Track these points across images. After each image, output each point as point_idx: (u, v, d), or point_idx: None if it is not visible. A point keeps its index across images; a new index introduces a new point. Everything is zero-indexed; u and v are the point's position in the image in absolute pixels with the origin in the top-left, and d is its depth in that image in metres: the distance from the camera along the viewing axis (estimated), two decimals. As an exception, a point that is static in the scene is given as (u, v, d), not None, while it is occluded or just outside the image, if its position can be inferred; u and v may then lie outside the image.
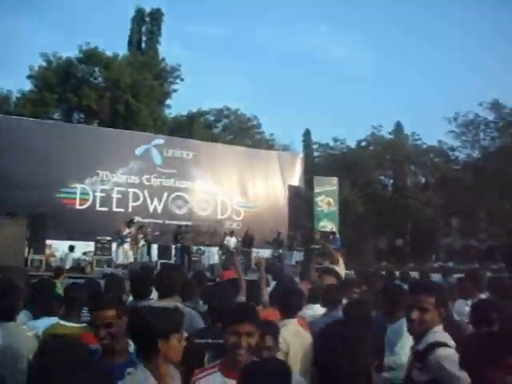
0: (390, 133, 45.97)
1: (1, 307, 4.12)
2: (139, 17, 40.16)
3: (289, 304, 4.72)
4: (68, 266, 18.72)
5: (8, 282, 6.10)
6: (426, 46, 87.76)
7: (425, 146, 44.40)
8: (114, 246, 19.99)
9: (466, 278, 7.44)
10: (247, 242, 22.60)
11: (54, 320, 4.57)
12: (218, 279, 9.86)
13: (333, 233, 25.07)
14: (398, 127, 47.40)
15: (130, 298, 5.69)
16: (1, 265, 7.30)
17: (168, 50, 79.75)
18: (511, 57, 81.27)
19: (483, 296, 6.36)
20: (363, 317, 4.31)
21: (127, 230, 20.25)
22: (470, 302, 6.15)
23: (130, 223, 20.72)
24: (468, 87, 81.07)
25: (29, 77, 34.88)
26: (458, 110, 41.64)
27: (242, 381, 2.33)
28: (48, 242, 19.44)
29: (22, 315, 5.08)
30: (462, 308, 6.21)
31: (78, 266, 18.54)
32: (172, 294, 4.84)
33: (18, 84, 66.90)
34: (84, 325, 4.42)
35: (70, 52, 35.24)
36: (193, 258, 21.10)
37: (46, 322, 4.52)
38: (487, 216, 39.14)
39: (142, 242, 21.00)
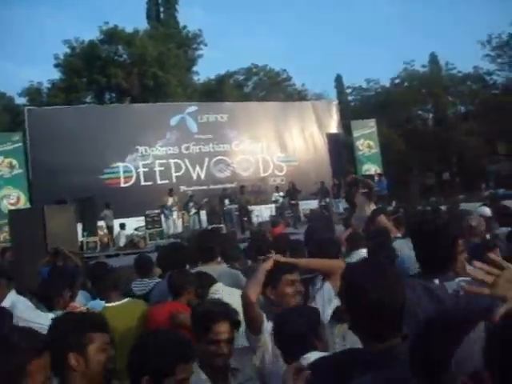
0: (423, 66, 44.97)
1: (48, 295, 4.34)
2: (154, -11, 39.98)
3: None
4: (122, 243, 19.14)
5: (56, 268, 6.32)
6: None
7: (460, 74, 43.30)
8: (162, 218, 20.28)
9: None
10: (291, 194, 22.58)
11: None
12: (268, 235, 9.97)
13: (379, 175, 24.83)
14: (432, 58, 46.31)
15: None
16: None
17: (187, 16, 79.42)
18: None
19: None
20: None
21: (170, 200, 20.48)
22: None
23: (170, 192, 20.93)
24: (497, 7, 78.28)
25: (56, 65, 35.40)
26: (490, 32, 40.11)
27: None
28: (99, 223, 19.89)
29: (81, 297, 5.23)
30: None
31: (131, 243, 18.87)
32: (213, 258, 4.89)
33: (47, 74, 67.67)
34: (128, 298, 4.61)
35: (92, 35, 35.42)
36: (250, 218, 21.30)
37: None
38: (534, 136, 38.19)
39: (193, 211, 21.26)
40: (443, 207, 11.56)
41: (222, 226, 20.60)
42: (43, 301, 4.51)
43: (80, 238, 18.34)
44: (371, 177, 24.68)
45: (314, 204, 23.11)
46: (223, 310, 3.05)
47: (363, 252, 5.51)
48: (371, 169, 26.83)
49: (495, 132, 38.64)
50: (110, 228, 20.11)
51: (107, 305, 4.41)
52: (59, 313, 3.88)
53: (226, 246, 5.60)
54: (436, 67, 44.90)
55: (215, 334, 2.92)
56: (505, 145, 40.90)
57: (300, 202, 22.90)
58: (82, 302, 4.84)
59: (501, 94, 40.59)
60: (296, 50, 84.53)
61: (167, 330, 3.15)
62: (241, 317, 3.10)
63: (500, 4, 73.68)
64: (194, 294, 4.17)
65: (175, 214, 20.43)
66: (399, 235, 6.17)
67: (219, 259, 5.06)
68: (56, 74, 35.83)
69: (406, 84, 43.74)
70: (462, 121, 41.65)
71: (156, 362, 2.41)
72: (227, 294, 4.09)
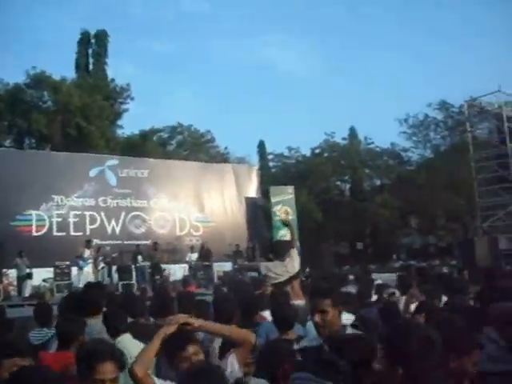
0: (343, 138, 46.56)
1: None
2: (85, 39, 39.97)
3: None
4: (27, 293, 18.53)
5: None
6: (371, 51, 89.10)
7: (378, 149, 45.08)
8: (74, 270, 19.81)
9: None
10: (204, 256, 22.63)
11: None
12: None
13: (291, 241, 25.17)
14: (352, 132, 48.05)
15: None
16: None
17: (116, 70, 79.96)
18: (453, 56, 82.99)
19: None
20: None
21: (87, 252, 20.08)
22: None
23: (88, 243, 20.53)
24: (416, 89, 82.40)
25: (-24, 105, 34.49)
26: (408, 111, 42.11)
27: None
28: (8, 271, 19.24)
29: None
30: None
31: (37, 294, 18.29)
32: (97, 313, 4.93)
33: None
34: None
35: (17, 78, 34.98)
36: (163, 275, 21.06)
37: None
38: (444, 213, 39.83)
39: (101, 265, 20.85)
40: (352, 276, 11.96)
41: (132, 282, 20.39)
42: None
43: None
44: (285, 242, 25.07)
45: (228, 266, 23.19)
46: (108, 350, 3.05)
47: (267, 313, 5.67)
48: (287, 235, 27.06)
49: (408, 206, 40.12)
50: (20, 278, 19.31)
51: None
52: None
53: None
54: (355, 141, 46.56)
55: (99, 373, 2.90)
56: (417, 219, 42.42)
57: (214, 264, 22.92)
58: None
59: (414, 171, 42.35)
60: (221, 113, 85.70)
61: (38, 366, 3.15)
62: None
63: (420, 84, 77.77)
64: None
65: (89, 267, 20.00)
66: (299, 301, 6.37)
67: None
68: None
69: (325, 154, 45.04)
70: (378, 193, 43.05)
71: None
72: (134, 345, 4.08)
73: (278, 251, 8.09)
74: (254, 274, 21.55)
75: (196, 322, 3.29)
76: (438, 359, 2.29)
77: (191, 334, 3.36)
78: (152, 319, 6.00)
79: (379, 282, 8.45)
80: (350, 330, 3.52)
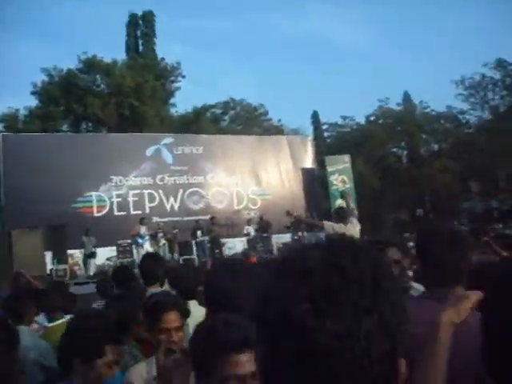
0: (398, 104, 45.72)
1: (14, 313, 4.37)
2: (133, 21, 40.39)
3: None
4: (92, 272, 18.98)
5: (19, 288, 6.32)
6: (420, 13, 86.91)
7: (434, 112, 44.07)
8: (133, 248, 20.15)
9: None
10: (263, 228, 22.67)
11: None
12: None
13: (351, 209, 25.06)
14: (406, 97, 47.11)
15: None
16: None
17: (166, 49, 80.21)
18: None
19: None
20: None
21: (143, 229, 20.32)
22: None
23: (142, 221, 20.76)
24: (471, 48, 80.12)
25: (33, 93, 35.34)
26: (464, 72, 41.07)
27: None
28: (70, 251, 19.70)
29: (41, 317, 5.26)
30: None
31: (101, 271, 18.71)
32: (155, 282, 4.97)
33: (24, 101, 67.43)
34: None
35: (70, 63, 35.57)
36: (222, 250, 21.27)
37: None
38: (506, 176, 38.84)
39: (162, 241, 21.13)
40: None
41: (193, 257, 20.63)
42: (10, 316, 4.54)
43: (50, 266, 18.25)
44: (344, 210, 24.92)
45: (287, 237, 23.19)
46: (172, 300, 3.20)
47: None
48: (345, 204, 26.92)
49: (468, 170, 39.24)
50: (87, 255, 19.77)
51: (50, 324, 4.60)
52: (25, 328, 3.97)
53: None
54: (410, 106, 45.63)
55: (165, 322, 3.04)
56: (477, 183, 41.48)
57: (273, 236, 22.95)
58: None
59: (473, 134, 41.31)
60: (273, 85, 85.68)
61: (95, 312, 3.24)
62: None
63: (473, 46, 75.57)
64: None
65: (147, 244, 20.28)
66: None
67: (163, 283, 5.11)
68: (33, 102, 35.88)
69: (380, 121, 44.36)
70: (436, 158, 42.20)
71: (84, 344, 2.50)
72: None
73: (339, 218, 8.00)
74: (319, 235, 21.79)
75: None
76: None
77: None
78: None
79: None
80: None
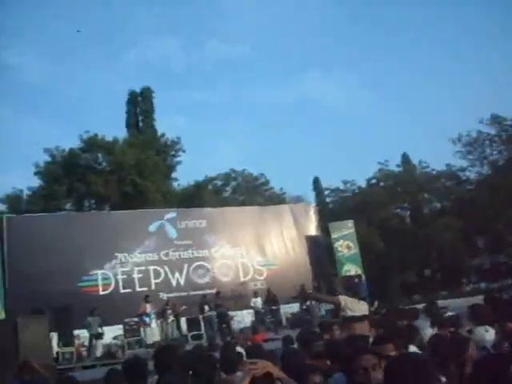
0: (397, 165, 46.13)
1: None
2: (132, 99, 41.14)
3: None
4: (99, 353, 18.70)
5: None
6: (411, 74, 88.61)
7: (434, 171, 44.43)
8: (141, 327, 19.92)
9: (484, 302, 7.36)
10: (271, 300, 22.51)
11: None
12: (249, 343, 9.86)
13: (358, 276, 25.01)
14: (405, 158, 47.52)
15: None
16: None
17: (165, 124, 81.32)
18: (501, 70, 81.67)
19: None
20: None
21: (148, 307, 20.16)
22: (489, 329, 6.07)
23: (147, 298, 20.62)
24: (466, 106, 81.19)
25: (36, 173, 35.70)
26: (460, 129, 41.62)
27: None
28: (76, 332, 19.48)
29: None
30: (482, 336, 6.02)
31: (108, 353, 18.46)
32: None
33: (27, 181, 68.02)
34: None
35: (72, 143, 36.05)
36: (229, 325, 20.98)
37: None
38: (510, 230, 38.73)
39: (171, 318, 20.89)
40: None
41: (202, 333, 20.39)
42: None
43: (55, 349, 18.01)
44: (351, 278, 24.84)
45: (295, 307, 23.01)
46: None
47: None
48: (351, 269, 26.87)
49: (472, 226, 39.18)
50: (93, 336, 19.45)
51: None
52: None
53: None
54: (409, 166, 46.01)
55: None
56: (483, 239, 41.33)
57: (281, 306, 22.77)
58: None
59: (474, 190, 41.49)
60: (274, 154, 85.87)
61: None
62: None
63: (467, 103, 76.68)
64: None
65: (154, 322, 20.08)
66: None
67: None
68: (36, 182, 36.21)
69: (381, 184, 44.62)
70: (439, 217, 42.21)
71: None
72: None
73: (350, 292, 8.01)
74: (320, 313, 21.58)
75: (277, 372, 3.26)
76: None
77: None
78: (223, 374, 5.89)
79: (449, 314, 8.07)
80: None
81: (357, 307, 7.45)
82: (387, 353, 3.31)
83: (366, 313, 7.53)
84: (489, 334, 6.01)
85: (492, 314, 6.61)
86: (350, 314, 7.36)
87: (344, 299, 7.76)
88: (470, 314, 6.72)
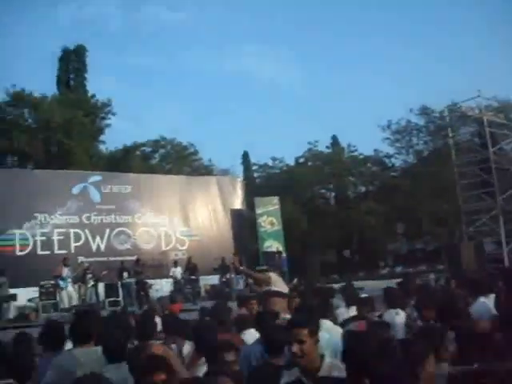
0: (327, 147, 46.76)
1: None
2: (65, 56, 39.84)
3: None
4: (12, 315, 18.27)
5: None
6: (351, 56, 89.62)
7: (361, 156, 45.32)
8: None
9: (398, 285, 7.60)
10: (191, 270, 22.52)
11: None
12: (166, 312, 9.86)
13: (279, 252, 25.34)
14: (335, 140, 48.22)
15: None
16: None
17: (97, 85, 79.43)
18: (432, 61, 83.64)
19: (412, 302, 6.49)
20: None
21: (65, 270, 19.75)
22: (400, 311, 6.29)
23: (65, 261, 20.18)
24: (397, 94, 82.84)
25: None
26: (390, 117, 42.41)
27: None
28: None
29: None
30: (392, 318, 6.24)
31: (21, 314, 18.09)
32: (88, 341, 4.78)
33: None
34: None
35: (-3, 96, 34.72)
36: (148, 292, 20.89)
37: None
38: (429, 218, 39.97)
39: (91, 283, 20.57)
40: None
41: (119, 299, 20.25)
42: None
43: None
44: (272, 254, 25.14)
45: (215, 279, 23.14)
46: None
47: (252, 332, 5.57)
48: (273, 245, 27.15)
49: (394, 212, 40.24)
50: (3, 298, 18.97)
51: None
52: None
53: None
54: (338, 148, 46.71)
55: None
56: (403, 225, 42.53)
57: (201, 277, 22.85)
58: None
59: (399, 177, 42.58)
60: (205, 125, 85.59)
61: None
62: None
63: (398, 91, 78.26)
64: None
65: (70, 286, 19.72)
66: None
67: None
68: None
69: (309, 163, 45.16)
70: (363, 200, 43.17)
71: None
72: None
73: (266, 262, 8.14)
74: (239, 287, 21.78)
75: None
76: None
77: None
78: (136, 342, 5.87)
79: (364, 295, 8.28)
80: (328, 360, 3.54)
81: (282, 286, 7.59)
82: (301, 337, 3.41)
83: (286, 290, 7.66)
84: (399, 317, 6.22)
85: (404, 298, 6.85)
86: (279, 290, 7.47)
87: (273, 276, 7.89)
88: (384, 296, 6.94)
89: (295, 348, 3.43)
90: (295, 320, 3.72)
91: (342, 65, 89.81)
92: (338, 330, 5.14)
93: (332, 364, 3.49)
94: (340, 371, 3.35)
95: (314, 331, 3.55)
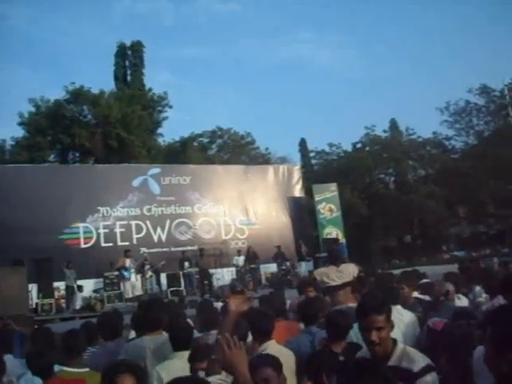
0: (384, 131, 46.14)
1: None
2: (121, 51, 40.56)
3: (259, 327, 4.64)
4: (78, 306, 18.81)
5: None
6: (409, 40, 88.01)
7: (420, 139, 44.52)
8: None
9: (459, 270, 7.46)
10: (250, 259, 22.65)
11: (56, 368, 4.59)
12: (227, 300, 9.93)
13: (335, 240, 25.11)
14: (393, 124, 47.54)
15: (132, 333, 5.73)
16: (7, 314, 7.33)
17: (154, 79, 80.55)
18: (494, 41, 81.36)
19: (478, 288, 6.35)
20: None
21: (127, 262, 20.17)
22: (461, 296, 6.16)
23: (127, 253, 20.59)
24: (456, 75, 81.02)
25: (20, 124, 35.24)
26: (448, 99, 41.57)
27: None
28: (56, 284, 19.56)
29: (13, 363, 5.11)
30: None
31: (88, 306, 18.58)
32: (157, 329, 4.84)
33: (11, 132, 67.26)
34: (86, 369, 4.45)
35: (57, 94, 35.60)
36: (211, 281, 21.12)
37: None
38: (492, 200, 39.09)
39: (149, 273, 21.00)
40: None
41: (181, 289, 20.54)
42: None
43: (35, 300, 18.11)
44: (329, 240, 24.98)
45: (274, 267, 23.24)
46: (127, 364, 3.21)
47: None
48: (333, 232, 27.00)
49: (455, 195, 39.48)
50: (68, 288, 19.63)
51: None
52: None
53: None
54: (396, 132, 46.03)
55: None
56: (465, 208, 41.71)
57: (261, 266, 22.97)
58: (12, 370, 4.73)
59: (459, 159, 41.69)
60: (261, 114, 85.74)
61: None
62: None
63: (458, 72, 76.49)
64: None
65: (133, 276, 20.14)
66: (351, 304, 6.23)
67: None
68: (20, 132, 35.81)
69: (367, 148, 44.65)
70: (423, 184, 42.47)
71: None
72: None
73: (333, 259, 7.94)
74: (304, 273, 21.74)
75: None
76: None
77: None
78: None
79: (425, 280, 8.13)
80: (401, 346, 3.34)
81: (335, 275, 7.44)
82: (379, 324, 3.24)
83: (355, 273, 7.55)
84: (461, 302, 6.11)
85: (467, 283, 6.72)
86: (326, 281, 7.39)
87: (318, 273, 7.74)
88: (444, 282, 6.82)
89: (374, 336, 3.21)
90: (371, 306, 3.38)
91: (397, 48, 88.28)
92: (410, 314, 5.13)
93: (404, 351, 3.28)
94: (409, 362, 3.17)
95: (390, 317, 3.34)
